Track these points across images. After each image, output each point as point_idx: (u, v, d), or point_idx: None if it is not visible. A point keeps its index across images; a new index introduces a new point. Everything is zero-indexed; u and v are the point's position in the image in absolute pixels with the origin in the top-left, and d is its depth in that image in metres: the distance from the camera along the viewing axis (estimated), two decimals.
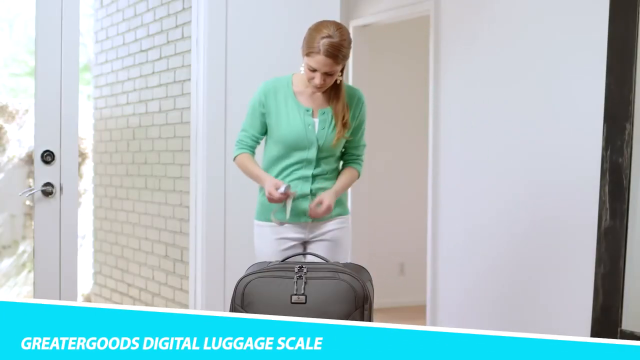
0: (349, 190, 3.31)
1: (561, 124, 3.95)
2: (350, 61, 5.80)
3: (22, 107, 4.10)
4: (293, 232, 3.06)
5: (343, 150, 3.15)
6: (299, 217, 3.05)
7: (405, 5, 5.14)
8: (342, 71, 3.00)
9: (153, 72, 4.51)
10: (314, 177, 3.05)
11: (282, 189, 2.92)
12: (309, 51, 2.90)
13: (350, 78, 5.70)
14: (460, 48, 4.61)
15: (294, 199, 2.98)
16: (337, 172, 3.13)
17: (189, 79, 4.00)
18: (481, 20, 4.44)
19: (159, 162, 4.46)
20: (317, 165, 3.04)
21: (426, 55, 5.13)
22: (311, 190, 3.04)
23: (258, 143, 3.12)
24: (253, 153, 3.10)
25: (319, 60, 2.88)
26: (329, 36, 2.87)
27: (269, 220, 3.05)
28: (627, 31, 3.25)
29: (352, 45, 2.97)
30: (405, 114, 6.30)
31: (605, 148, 3.29)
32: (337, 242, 3.10)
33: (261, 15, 3.94)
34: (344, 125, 3.02)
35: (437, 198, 4.78)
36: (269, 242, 3.05)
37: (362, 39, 5.73)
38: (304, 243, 3.10)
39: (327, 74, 2.92)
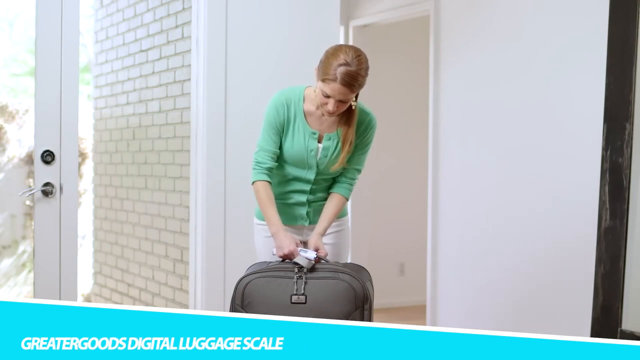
0: None
1: (561, 123, 3.95)
2: None
3: (22, 107, 4.10)
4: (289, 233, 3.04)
5: None
6: (295, 220, 3.04)
7: (405, 5, 5.14)
8: (356, 97, 2.91)
9: (153, 72, 4.51)
10: (312, 190, 3.03)
11: (310, 256, 2.81)
12: (324, 77, 2.78)
13: None
14: (460, 48, 4.61)
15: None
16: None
17: (189, 79, 4.00)
18: (481, 20, 4.44)
19: (159, 162, 4.46)
20: (315, 182, 3.01)
21: (426, 55, 5.13)
22: (307, 199, 3.03)
23: (277, 161, 2.99)
24: (271, 178, 2.97)
25: (334, 88, 2.77)
26: (347, 64, 2.75)
27: None
28: (627, 31, 3.25)
29: (369, 72, 2.85)
30: (405, 114, 6.30)
31: (605, 148, 3.29)
32: (334, 246, 3.07)
33: (261, 15, 3.94)
34: (350, 151, 2.95)
35: (437, 198, 4.78)
36: (268, 240, 3.04)
37: (362, 39, 5.73)
38: (303, 245, 3.08)
39: (340, 101, 2.82)
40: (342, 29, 5.75)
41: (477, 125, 4.48)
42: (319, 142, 2.96)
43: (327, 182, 3.06)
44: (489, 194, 4.40)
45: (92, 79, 5.36)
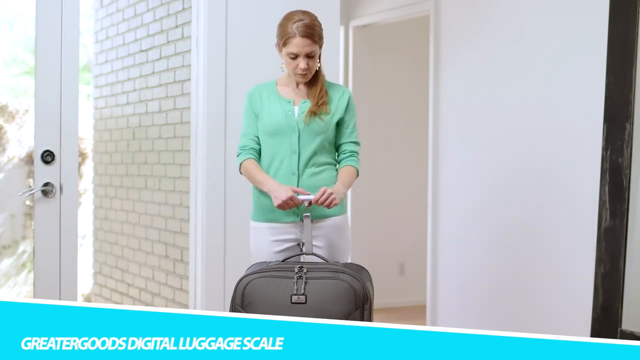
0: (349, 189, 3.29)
1: (561, 123, 3.96)
2: (350, 61, 5.80)
3: (22, 107, 4.10)
4: (287, 233, 3.03)
5: (337, 148, 3.12)
6: (287, 216, 3.02)
7: (405, 5, 5.14)
8: (319, 58, 3.07)
9: (153, 72, 4.51)
10: (300, 171, 3.02)
11: (310, 197, 2.92)
12: (285, 39, 2.99)
13: (350, 78, 5.70)
14: (460, 48, 4.61)
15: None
16: (332, 170, 3.08)
17: (189, 79, 4.00)
18: (481, 20, 4.45)
19: (159, 162, 4.46)
20: (300, 156, 3.02)
21: (426, 55, 5.13)
22: (298, 186, 3.01)
23: (259, 144, 3.10)
24: (256, 157, 3.07)
25: (297, 42, 2.96)
26: (300, 19, 2.98)
27: (265, 221, 3.03)
28: (627, 31, 3.26)
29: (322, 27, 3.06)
30: (405, 114, 6.30)
31: (605, 148, 3.29)
32: (332, 246, 3.04)
33: (261, 15, 3.94)
34: (319, 105, 3.03)
35: (437, 198, 4.78)
36: (265, 243, 3.04)
37: (362, 39, 5.73)
38: (300, 244, 3.06)
39: (308, 57, 2.98)
40: (342, 29, 5.75)
41: (477, 125, 4.48)
42: (295, 105, 3.08)
43: (316, 159, 3.03)
44: (489, 194, 4.40)
45: (92, 79, 5.36)
